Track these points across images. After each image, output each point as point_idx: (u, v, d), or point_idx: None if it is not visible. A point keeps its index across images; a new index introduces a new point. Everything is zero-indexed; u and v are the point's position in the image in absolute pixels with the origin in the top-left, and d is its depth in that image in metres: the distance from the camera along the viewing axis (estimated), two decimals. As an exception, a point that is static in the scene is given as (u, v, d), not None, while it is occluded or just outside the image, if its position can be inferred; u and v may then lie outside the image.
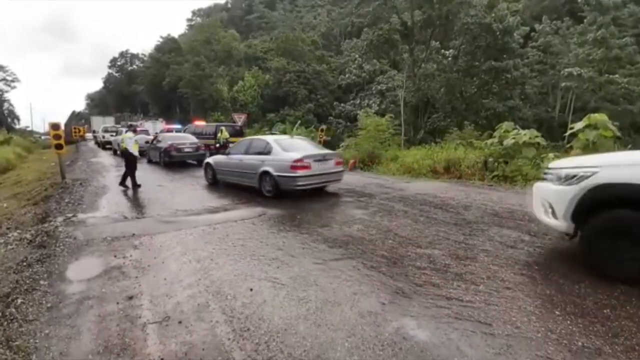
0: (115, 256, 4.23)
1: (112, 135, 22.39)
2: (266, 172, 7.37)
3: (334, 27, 59.35)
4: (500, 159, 9.22)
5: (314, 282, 3.38)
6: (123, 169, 9.21)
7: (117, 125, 27.36)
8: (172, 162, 13.09)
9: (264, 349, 2.40)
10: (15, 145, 25.06)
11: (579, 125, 7.47)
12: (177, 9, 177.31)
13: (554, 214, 3.54)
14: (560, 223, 3.50)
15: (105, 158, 17.80)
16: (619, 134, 7.59)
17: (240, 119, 20.83)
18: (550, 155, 8.39)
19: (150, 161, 14.56)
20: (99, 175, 11.57)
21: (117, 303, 3.12)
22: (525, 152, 8.68)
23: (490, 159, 9.47)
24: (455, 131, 18.31)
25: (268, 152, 7.65)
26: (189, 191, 8.58)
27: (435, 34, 26.92)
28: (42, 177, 11.66)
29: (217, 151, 12.30)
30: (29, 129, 54.88)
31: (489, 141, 9.91)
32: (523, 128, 9.62)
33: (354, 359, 2.28)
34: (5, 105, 56.98)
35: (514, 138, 8.88)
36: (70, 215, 6.25)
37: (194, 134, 15.90)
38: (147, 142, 15.01)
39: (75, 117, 67.46)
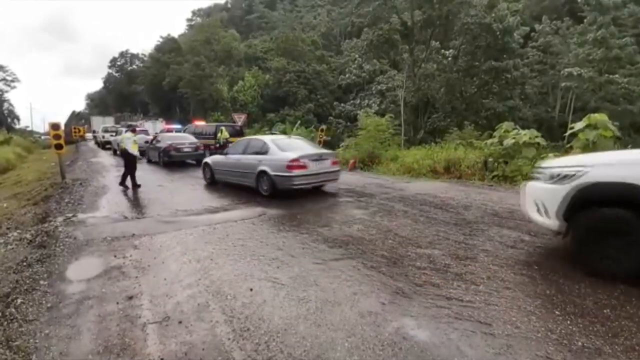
0: (115, 256, 4.23)
1: (111, 135, 22.41)
2: (263, 172, 7.43)
3: (334, 27, 59.36)
4: (500, 159, 9.21)
5: (314, 282, 3.38)
6: (123, 169, 9.21)
7: (117, 125, 27.38)
8: (171, 161, 13.12)
9: (264, 349, 2.40)
10: (15, 145, 25.07)
11: (579, 125, 7.47)
12: (177, 9, 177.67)
13: (546, 212, 3.60)
14: (551, 221, 3.56)
15: (105, 158, 17.80)
16: (618, 134, 7.59)
17: (240, 119, 20.82)
18: (550, 155, 8.38)
19: (149, 161, 14.57)
20: (99, 175, 11.57)
21: (117, 303, 3.12)
22: (525, 152, 8.68)
23: (490, 159, 9.47)
24: (455, 131, 18.30)
25: (265, 152, 7.71)
26: (189, 191, 8.58)
27: (435, 34, 26.92)
28: (42, 177, 11.66)
29: (217, 151, 12.31)
30: (29, 129, 55.00)
31: (489, 141, 9.91)
32: (523, 128, 9.62)
33: (354, 359, 2.28)
34: (5, 105, 57.00)
35: (514, 138, 8.89)
36: (70, 215, 6.25)
37: (193, 134, 15.92)
38: (146, 142, 15.02)
39: (75, 117, 67.61)
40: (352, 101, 36.24)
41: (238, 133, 15.67)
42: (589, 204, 3.31)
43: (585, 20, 27.89)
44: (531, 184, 3.97)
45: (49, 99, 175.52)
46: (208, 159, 9.62)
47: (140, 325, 2.76)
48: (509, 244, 4.28)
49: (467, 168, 9.87)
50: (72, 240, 4.88)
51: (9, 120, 56.52)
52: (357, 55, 37.03)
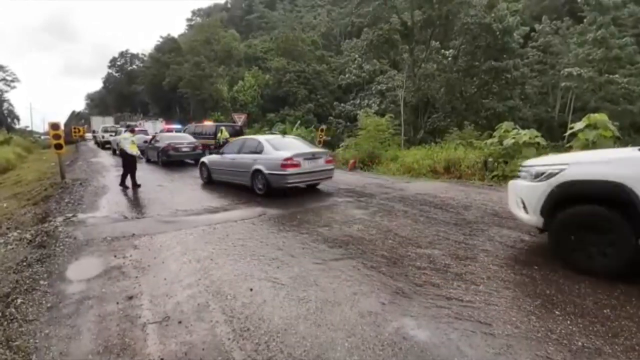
0: (115, 256, 4.23)
1: (111, 135, 22.44)
2: (258, 171, 7.57)
3: (334, 27, 59.34)
4: (500, 159, 9.21)
5: (314, 282, 3.38)
6: (122, 169, 9.21)
7: (117, 126, 27.39)
8: (170, 161, 13.20)
9: (264, 349, 2.40)
10: (15, 145, 25.07)
11: (579, 125, 7.48)
12: (177, 9, 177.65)
13: (525, 208, 3.77)
14: (530, 217, 3.73)
15: (105, 158, 17.80)
16: (618, 134, 7.59)
17: (240, 119, 20.83)
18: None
19: (148, 160, 14.59)
20: (99, 175, 11.57)
21: (117, 303, 3.12)
22: (525, 152, 8.67)
23: (490, 159, 9.47)
24: (455, 131, 18.27)
25: (260, 151, 7.86)
26: (188, 191, 8.58)
27: (435, 34, 26.89)
28: (42, 177, 11.66)
29: (216, 151, 12.34)
30: (28, 129, 54.99)
31: (489, 141, 9.92)
32: (523, 128, 9.62)
33: (354, 359, 2.28)
34: (5, 105, 56.98)
35: (514, 138, 8.89)
36: (70, 215, 6.25)
37: (193, 133, 15.99)
38: (145, 142, 15.05)
39: (75, 117, 67.67)
40: (352, 101, 36.21)
41: (238, 133, 15.68)
42: (565, 200, 3.44)
43: (585, 20, 27.86)
44: (515, 182, 4.15)
45: (49, 99, 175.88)
46: (205, 159, 9.74)
47: (140, 325, 2.76)
48: (509, 244, 4.28)
49: (467, 168, 9.87)
50: (72, 240, 4.88)
51: (9, 120, 56.50)
52: (357, 55, 36.99)
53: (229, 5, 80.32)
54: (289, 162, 7.17)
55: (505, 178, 8.73)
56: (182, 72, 44.55)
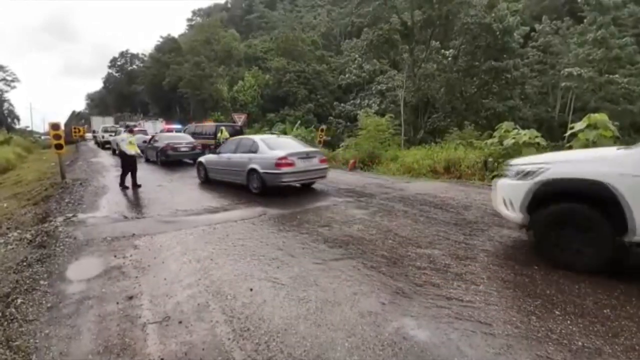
0: (115, 256, 4.23)
1: (111, 135, 22.49)
2: (253, 170, 7.69)
3: (334, 27, 59.35)
4: (500, 159, 9.19)
5: (314, 282, 3.38)
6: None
7: (117, 125, 27.42)
8: (169, 161, 13.28)
9: (264, 349, 2.40)
10: (15, 145, 25.07)
11: (579, 125, 7.48)
12: (177, 9, 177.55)
13: (511, 206, 3.87)
14: (515, 215, 3.83)
15: (105, 158, 17.80)
16: (618, 134, 7.59)
17: (240, 119, 20.82)
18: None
19: (147, 160, 14.62)
20: (99, 175, 11.57)
21: (117, 303, 3.12)
22: (525, 152, 8.65)
23: (490, 159, 9.46)
24: (455, 131, 18.28)
25: (255, 151, 7.98)
26: (188, 191, 8.58)
27: (435, 34, 26.90)
28: (42, 177, 11.66)
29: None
30: (29, 129, 54.99)
31: (489, 141, 9.91)
32: (523, 128, 9.61)
33: (354, 359, 2.28)
34: (5, 105, 57.01)
35: (514, 138, 8.88)
36: (70, 215, 6.25)
37: (193, 133, 16.02)
38: (144, 142, 15.09)
39: (75, 117, 67.59)
40: (352, 101, 36.24)
41: (238, 133, 15.68)
42: (548, 198, 3.53)
43: (585, 20, 27.88)
44: (500, 181, 4.26)
45: (49, 99, 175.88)
46: (202, 158, 9.87)
47: (140, 325, 2.76)
48: (509, 244, 4.28)
49: (467, 168, 9.87)
50: (72, 240, 4.88)
51: (9, 120, 56.54)
52: (357, 55, 37.01)
53: (229, 5, 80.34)
54: (283, 161, 7.29)
55: (505, 178, 8.74)
56: (182, 72, 44.58)
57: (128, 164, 8.93)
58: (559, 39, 30.82)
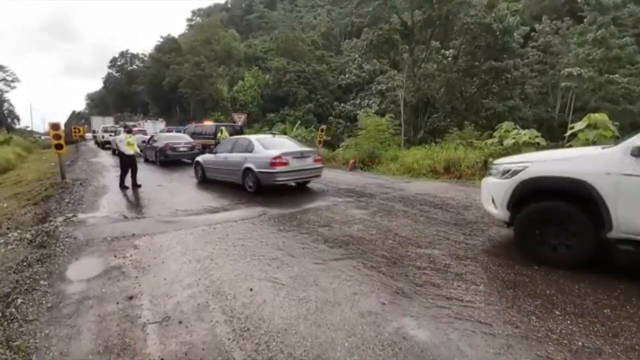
0: (115, 256, 4.23)
1: (111, 135, 22.52)
2: (248, 169, 7.80)
3: (334, 27, 59.32)
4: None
5: (314, 282, 3.38)
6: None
7: (117, 126, 27.43)
8: (168, 160, 13.35)
9: (264, 349, 2.40)
10: (15, 145, 25.07)
11: (579, 125, 7.49)
12: (177, 9, 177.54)
13: (494, 203, 4.00)
14: (499, 212, 3.95)
15: (105, 158, 17.80)
16: (618, 133, 7.59)
17: (240, 119, 20.82)
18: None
19: (147, 160, 14.64)
20: (99, 175, 11.57)
21: (117, 303, 3.12)
22: (525, 152, 8.66)
23: (491, 159, 9.41)
24: (455, 131, 18.26)
25: (250, 150, 8.09)
26: (188, 191, 8.59)
27: (435, 34, 26.88)
28: (42, 177, 11.66)
29: None
30: (29, 129, 54.99)
31: (489, 141, 9.92)
32: (523, 128, 9.63)
33: (354, 359, 2.28)
34: (5, 105, 57.01)
35: (514, 138, 8.89)
36: (70, 215, 6.25)
37: (193, 133, 16.06)
38: (143, 142, 15.13)
39: (75, 117, 67.64)
40: (352, 101, 36.20)
41: (238, 133, 15.68)
42: (529, 196, 3.61)
43: (585, 20, 27.87)
44: (487, 179, 4.36)
45: (49, 99, 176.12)
46: (199, 158, 9.97)
47: (140, 325, 2.76)
48: (509, 244, 4.28)
49: (467, 168, 9.87)
50: (72, 240, 4.88)
51: (9, 120, 56.53)
52: (357, 55, 36.97)
53: (229, 5, 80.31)
54: (277, 160, 7.41)
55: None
56: (182, 72, 44.57)
57: (127, 164, 8.93)
58: (559, 39, 30.81)
